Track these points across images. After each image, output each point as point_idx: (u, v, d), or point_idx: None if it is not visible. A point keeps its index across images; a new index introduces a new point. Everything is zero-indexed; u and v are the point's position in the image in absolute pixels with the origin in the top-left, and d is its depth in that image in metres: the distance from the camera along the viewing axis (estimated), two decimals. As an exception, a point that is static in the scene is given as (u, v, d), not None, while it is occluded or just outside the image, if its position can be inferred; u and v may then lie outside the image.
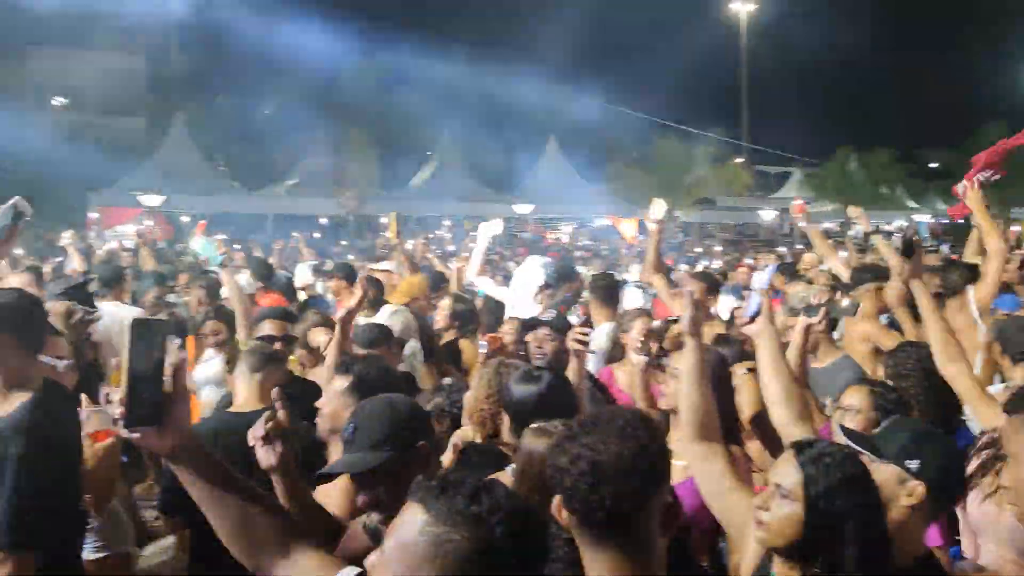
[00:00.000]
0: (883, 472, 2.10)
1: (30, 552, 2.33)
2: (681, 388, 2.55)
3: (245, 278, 7.47)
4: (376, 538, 2.24)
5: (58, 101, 39.37)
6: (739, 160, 36.80)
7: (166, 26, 35.32)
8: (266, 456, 2.24)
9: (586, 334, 3.35)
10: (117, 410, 1.44)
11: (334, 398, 2.79)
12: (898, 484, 2.12)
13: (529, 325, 4.50)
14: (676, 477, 2.77)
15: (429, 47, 36.90)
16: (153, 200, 23.55)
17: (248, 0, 34.84)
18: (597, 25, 39.00)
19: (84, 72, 40.07)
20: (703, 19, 41.13)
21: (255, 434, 2.22)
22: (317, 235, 24.99)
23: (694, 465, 2.50)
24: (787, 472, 1.96)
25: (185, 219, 27.71)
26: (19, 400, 2.50)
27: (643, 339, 4.08)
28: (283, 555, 1.50)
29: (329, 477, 2.24)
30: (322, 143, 29.86)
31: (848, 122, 51.40)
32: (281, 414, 2.26)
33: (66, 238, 10.52)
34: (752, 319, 2.89)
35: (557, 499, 1.61)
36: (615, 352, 4.92)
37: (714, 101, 40.50)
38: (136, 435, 1.46)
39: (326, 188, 26.05)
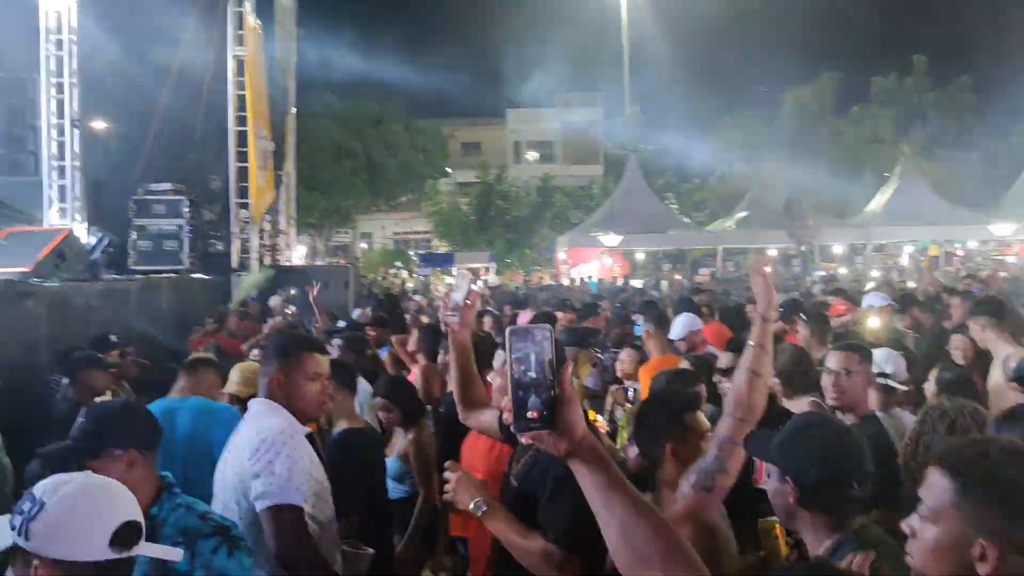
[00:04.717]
0: None
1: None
2: None
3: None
4: None
5: (531, 155, 44.68)
6: None
7: (618, 80, 38.11)
8: None
9: None
10: (506, 416, 1.49)
11: None
12: None
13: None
14: None
15: (886, 59, 34.74)
16: (612, 240, 25.35)
17: (685, 51, 36.24)
18: None
19: (551, 128, 45.09)
20: None
21: None
22: (767, 269, 24.68)
23: None
24: None
25: (640, 256, 29.53)
26: None
27: None
28: (662, 571, 1.46)
29: None
30: (775, 173, 29.63)
31: None
32: None
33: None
34: None
35: None
36: None
37: None
38: (528, 440, 1.50)
39: (776, 219, 25.73)
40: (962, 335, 5.40)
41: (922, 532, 1.54)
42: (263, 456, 2.81)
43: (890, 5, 38.96)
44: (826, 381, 3.67)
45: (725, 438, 2.54)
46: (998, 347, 4.85)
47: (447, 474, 2.79)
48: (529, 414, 1.49)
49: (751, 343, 2.64)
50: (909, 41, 34.94)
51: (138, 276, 10.87)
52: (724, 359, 4.50)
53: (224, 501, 2.93)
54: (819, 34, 34.87)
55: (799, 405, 3.88)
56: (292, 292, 10.36)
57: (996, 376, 4.67)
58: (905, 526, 1.58)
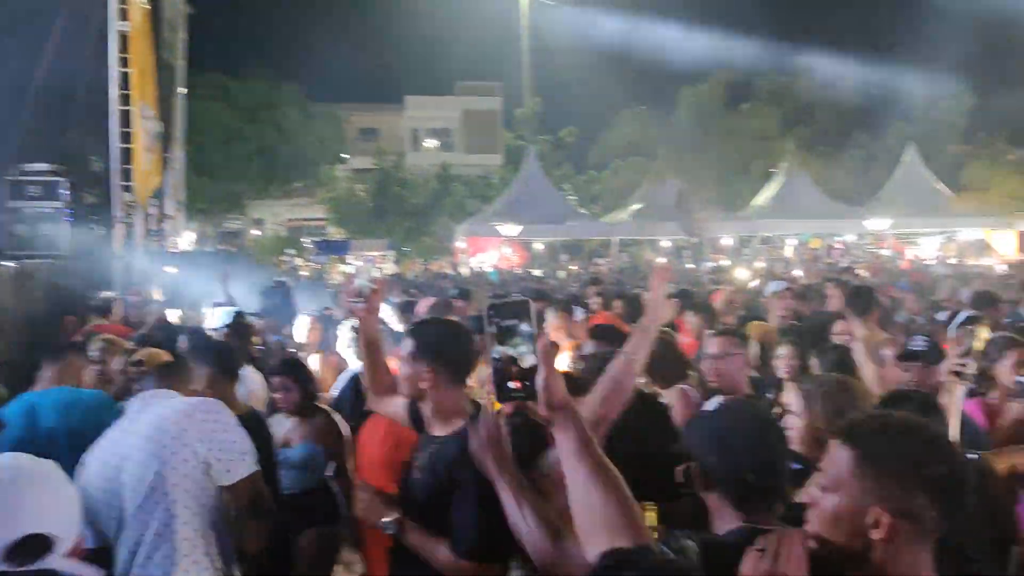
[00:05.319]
0: None
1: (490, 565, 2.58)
2: None
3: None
4: None
5: (430, 142, 44.39)
6: None
7: (519, 71, 38.32)
8: None
9: (965, 364, 3.10)
10: (487, 387, 1.59)
11: None
12: None
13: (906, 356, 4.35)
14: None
15: (776, 60, 36.02)
16: (511, 230, 25.48)
17: (591, 41, 36.66)
18: (957, 11, 34.73)
19: (450, 116, 44.93)
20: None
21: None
22: (662, 259, 25.36)
23: None
24: None
25: (539, 246, 29.79)
26: (459, 423, 2.70)
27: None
28: (606, 542, 1.54)
29: None
30: (668, 167, 30.42)
31: None
32: None
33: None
34: None
35: None
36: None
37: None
38: (509, 409, 1.58)
39: (669, 211, 26.41)
40: (844, 320, 5.72)
41: (822, 501, 1.61)
42: (211, 426, 2.87)
43: (781, 9, 40.47)
44: (706, 365, 3.83)
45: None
46: (860, 333, 5.30)
47: (358, 492, 2.78)
48: (511, 384, 1.55)
49: (624, 351, 2.66)
50: (797, 43, 36.30)
51: (12, 262, 10.25)
52: (588, 346, 4.60)
53: (116, 479, 2.84)
54: (714, 32, 35.80)
55: (670, 395, 4.01)
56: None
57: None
58: (805, 496, 1.65)
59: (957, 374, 3.08)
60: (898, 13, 36.92)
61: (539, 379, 1.54)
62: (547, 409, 1.56)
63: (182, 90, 19.20)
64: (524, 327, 1.55)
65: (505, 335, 1.55)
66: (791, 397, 2.98)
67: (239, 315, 6.48)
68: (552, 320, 5.97)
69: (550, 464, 2.59)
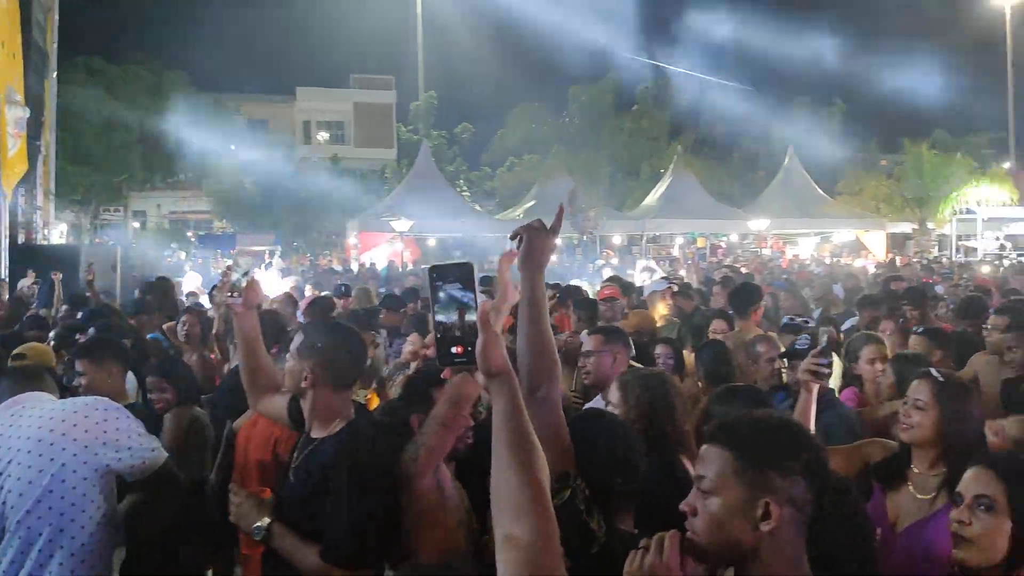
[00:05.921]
0: None
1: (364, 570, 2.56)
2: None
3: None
4: None
5: (321, 136, 43.52)
6: (1007, 165, 33.48)
7: (413, 66, 38.03)
8: None
9: (822, 364, 3.15)
10: (430, 351, 1.55)
11: None
12: None
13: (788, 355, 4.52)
14: (920, 512, 2.70)
15: (660, 67, 36.93)
16: (403, 225, 25.25)
17: (484, 40, 36.74)
18: (806, 27, 36.25)
19: (343, 109, 44.15)
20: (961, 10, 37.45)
21: None
22: (553, 257, 25.65)
23: None
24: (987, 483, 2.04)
25: (431, 242, 29.63)
26: (338, 426, 2.69)
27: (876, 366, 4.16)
28: (510, 532, 1.51)
29: None
30: (561, 166, 30.75)
31: None
32: None
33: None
34: None
35: None
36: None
37: (975, 102, 36.40)
38: (447, 374, 1.61)
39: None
40: (720, 319, 5.90)
41: (705, 506, 1.64)
42: (115, 424, 2.82)
43: (667, 15, 41.55)
44: (580, 363, 3.96)
45: (424, 442, 2.62)
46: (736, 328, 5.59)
47: (231, 496, 2.72)
48: (454, 350, 1.55)
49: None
50: (683, 48, 37.32)
51: None
52: None
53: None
54: (606, 33, 36.41)
55: None
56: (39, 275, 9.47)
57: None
58: (684, 506, 1.68)
59: (814, 373, 3.11)
60: (779, 21, 38.46)
61: (478, 345, 1.53)
62: (485, 374, 1.55)
63: (54, 74, 18.18)
64: (466, 292, 1.56)
65: (446, 298, 1.55)
66: (612, 389, 3.05)
67: (104, 311, 6.18)
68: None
69: (425, 432, 2.64)
